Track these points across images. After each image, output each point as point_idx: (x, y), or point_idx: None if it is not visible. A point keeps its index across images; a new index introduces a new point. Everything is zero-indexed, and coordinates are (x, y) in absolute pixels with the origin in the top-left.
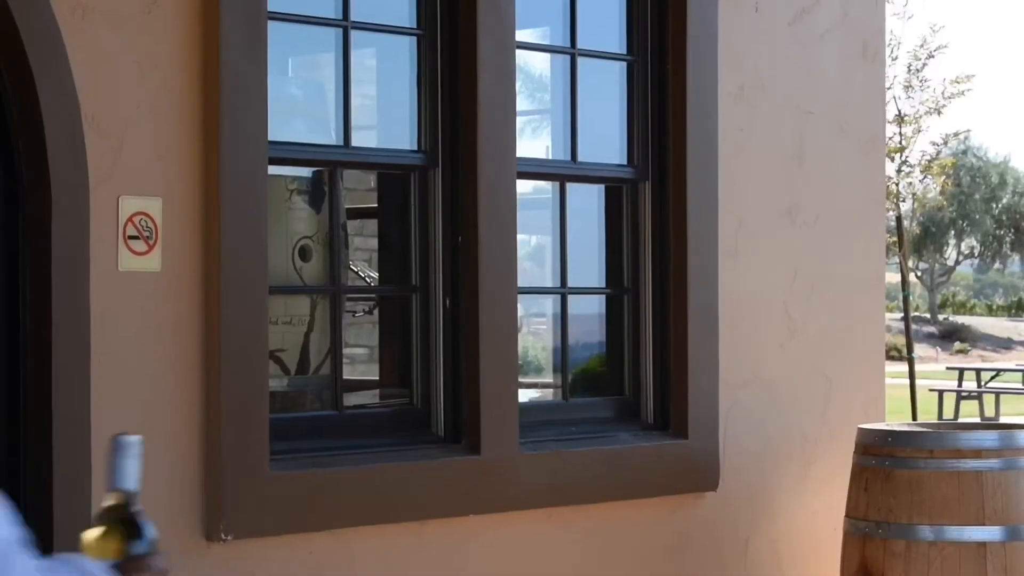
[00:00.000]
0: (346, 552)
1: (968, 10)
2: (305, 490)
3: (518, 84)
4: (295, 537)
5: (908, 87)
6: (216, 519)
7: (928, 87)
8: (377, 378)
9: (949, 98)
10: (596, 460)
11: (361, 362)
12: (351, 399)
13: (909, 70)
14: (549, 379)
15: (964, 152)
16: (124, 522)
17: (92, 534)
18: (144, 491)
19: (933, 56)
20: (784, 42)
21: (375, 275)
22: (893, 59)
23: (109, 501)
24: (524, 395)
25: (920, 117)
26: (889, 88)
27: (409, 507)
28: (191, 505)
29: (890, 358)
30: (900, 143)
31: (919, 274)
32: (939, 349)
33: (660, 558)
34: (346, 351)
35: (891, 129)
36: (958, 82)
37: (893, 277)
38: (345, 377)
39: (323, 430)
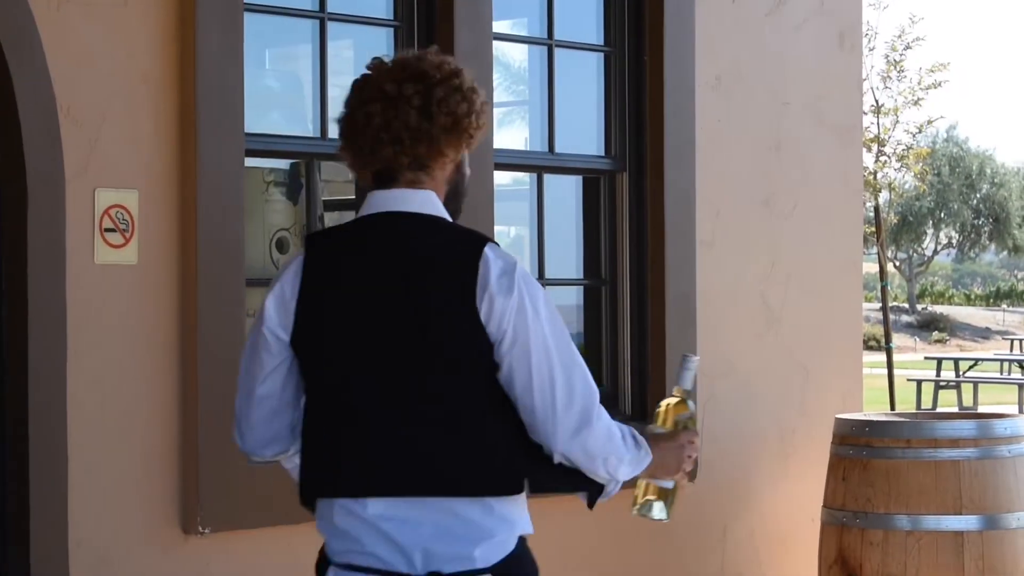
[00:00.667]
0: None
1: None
2: (283, 482)
3: (495, 75)
4: (273, 530)
5: (886, 77)
6: (193, 512)
7: (905, 77)
8: None
9: (926, 88)
10: None
11: None
12: None
13: (887, 60)
14: None
15: (946, 141)
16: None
17: (667, 403)
18: (121, 484)
19: (911, 47)
20: (761, 32)
21: None
22: (870, 49)
23: (676, 393)
24: None
25: (898, 109)
26: (866, 79)
27: None
28: (169, 498)
29: (868, 348)
30: (878, 134)
31: (897, 264)
32: (917, 339)
33: (639, 548)
34: None
35: (869, 119)
36: (934, 71)
37: (871, 267)
38: None
39: None
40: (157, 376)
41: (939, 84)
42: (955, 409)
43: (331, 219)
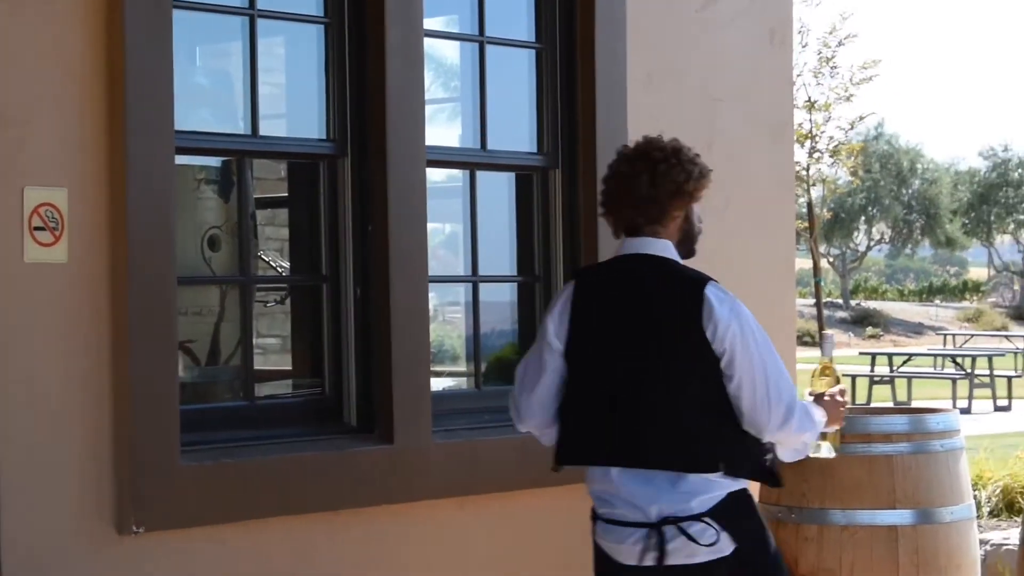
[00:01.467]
0: (258, 543)
1: None
2: (217, 481)
3: (427, 72)
4: (207, 529)
5: (818, 74)
6: (127, 511)
7: (837, 74)
8: (289, 368)
9: (857, 84)
10: (509, 448)
11: (272, 352)
12: (262, 389)
13: (819, 57)
14: (462, 368)
15: (876, 138)
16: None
17: (816, 371)
18: (54, 483)
19: (843, 44)
20: (692, 29)
21: (286, 265)
22: (803, 46)
23: (820, 363)
24: (437, 384)
25: (830, 105)
26: (799, 75)
27: (321, 497)
28: (102, 497)
29: (802, 343)
30: (811, 130)
31: (831, 260)
32: (851, 334)
33: (574, 545)
34: (257, 341)
35: (802, 115)
36: (865, 67)
37: (805, 263)
38: (256, 367)
39: (234, 421)
40: (89, 374)
41: (870, 79)
42: (889, 404)
43: (263, 217)
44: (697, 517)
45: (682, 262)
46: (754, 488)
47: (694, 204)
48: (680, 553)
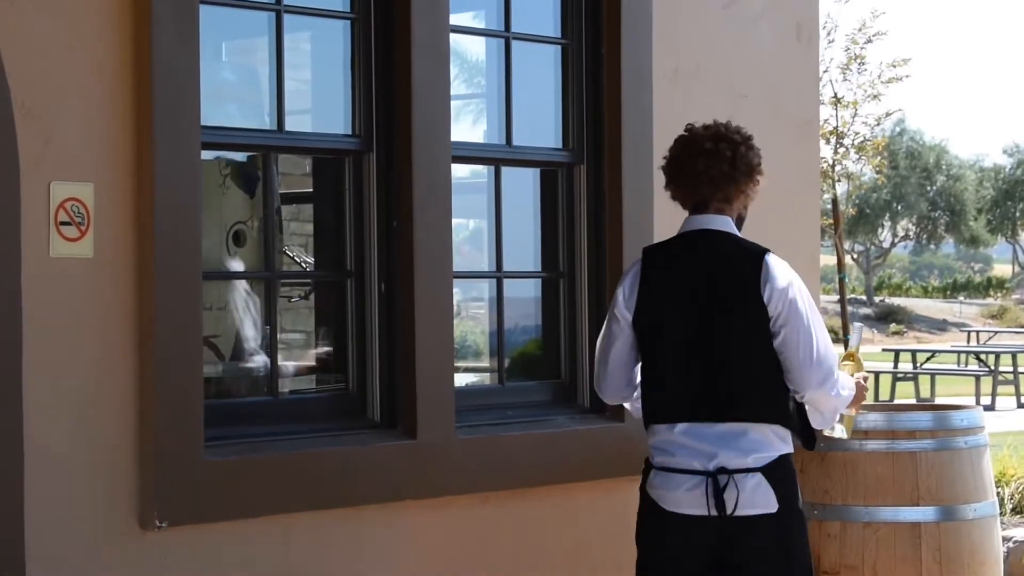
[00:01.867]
0: (281, 538)
1: None
2: (240, 476)
3: (452, 68)
4: (230, 524)
5: (846, 70)
6: (150, 506)
7: (866, 71)
8: (313, 364)
9: (887, 82)
10: (532, 444)
11: (296, 348)
12: (286, 385)
13: (847, 53)
14: (485, 363)
15: (900, 135)
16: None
17: (843, 357)
18: (77, 477)
19: (871, 41)
20: (719, 25)
21: (311, 260)
22: (830, 42)
23: (848, 350)
24: (460, 379)
25: (858, 103)
26: (826, 71)
27: (345, 493)
28: (125, 492)
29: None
30: (837, 126)
31: (855, 256)
32: (875, 331)
33: (596, 541)
34: (281, 337)
35: (828, 111)
36: (895, 66)
37: (829, 259)
38: (280, 363)
39: (258, 416)
40: (113, 369)
41: (900, 79)
42: (913, 401)
43: (288, 212)
44: (752, 471)
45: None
46: None
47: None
48: (731, 504)
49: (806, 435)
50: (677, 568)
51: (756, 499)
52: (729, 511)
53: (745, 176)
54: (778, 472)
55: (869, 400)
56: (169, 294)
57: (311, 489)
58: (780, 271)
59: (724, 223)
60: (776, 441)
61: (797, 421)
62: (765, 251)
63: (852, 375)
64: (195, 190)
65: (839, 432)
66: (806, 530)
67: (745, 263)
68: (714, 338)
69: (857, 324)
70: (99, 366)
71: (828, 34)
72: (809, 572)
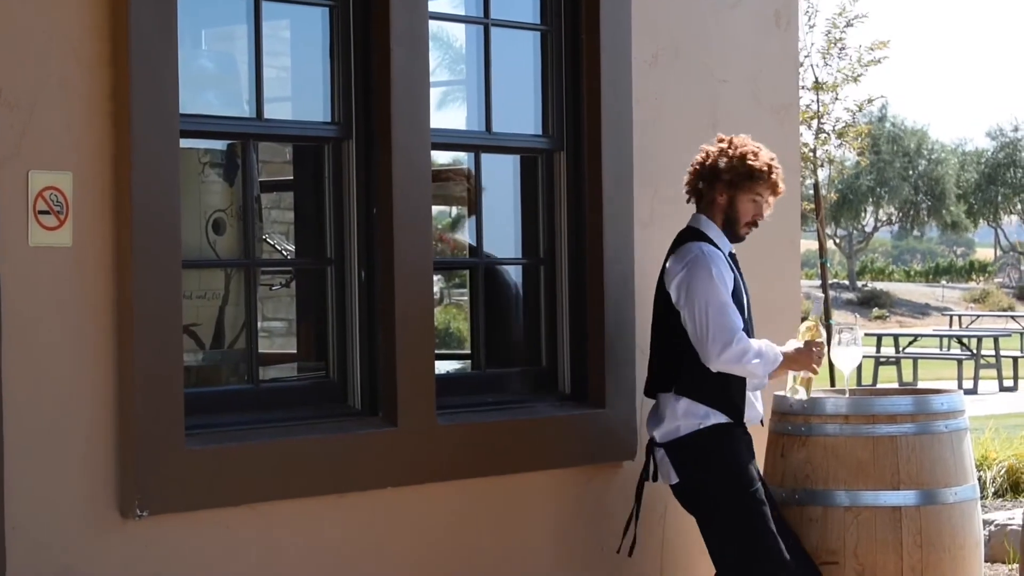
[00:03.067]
0: (264, 526)
1: None
2: (221, 464)
3: (432, 55)
4: (212, 512)
5: (826, 55)
6: (131, 495)
7: (846, 55)
8: (294, 351)
9: (866, 65)
10: (513, 431)
11: (277, 335)
12: (267, 373)
13: (827, 38)
14: (466, 350)
15: (881, 120)
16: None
17: (805, 325)
18: (58, 467)
19: (852, 25)
20: (697, 10)
21: (291, 248)
22: (811, 27)
23: (810, 319)
24: (441, 366)
25: (838, 86)
26: (807, 56)
27: (327, 480)
28: (106, 481)
29: None
30: (818, 110)
31: (837, 241)
32: (857, 315)
33: (578, 527)
34: (262, 324)
35: (809, 96)
36: (874, 49)
37: (811, 244)
38: (261, 351)
39: (239, 404)
40: (93, 358)
41: (879, 61)
42: (895, 385)
43: (268, 200)
44: (659, 445)
45: (710, 234)
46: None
47: (740, 194)
48: (659, 472)
49: (727, 406)
50: None
51: (663, 470)
52: (651, 478)
53: (711, 183)
54: (682, 448)
55: (851, 385)
56: (149, 282)
57: (293, 477)
58: (681, 258)
59: (695, 220)
60: (687, 416)
61: (714, 394)
62: (686, 242)
63: (806, 339)
64: (174, 178)
65: (801, 394)
66: (731, 499)
67: (669, 253)
68: (652, 322)
69: (820, 296)
70: (79, 355)
71: (809, 19)
72: (741, 541)
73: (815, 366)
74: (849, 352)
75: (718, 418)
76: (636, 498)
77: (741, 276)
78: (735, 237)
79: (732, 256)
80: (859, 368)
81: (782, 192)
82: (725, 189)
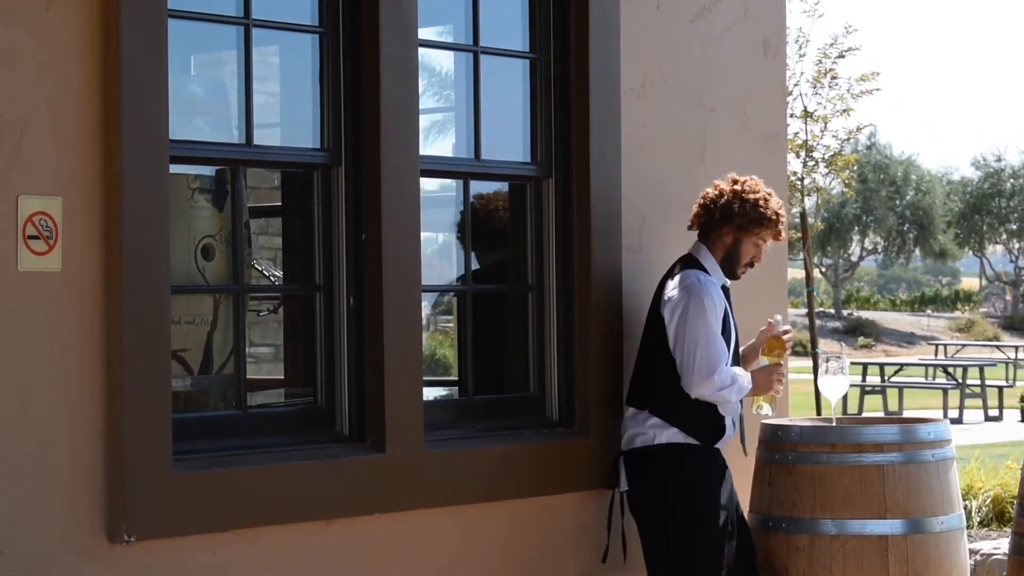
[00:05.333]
0: (251, 552)
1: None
2: (209, 490)
3: (421, 82)
4: (199, 538)
5: (817, 84)
6: (119, 520)
7: (837, 85)
8: (282, 377)
9: (857, 96)
10: (501, 458)
11: (266, 361)
12: (255, 398)
13: (818, 67)
14: (454, 377)
15: (870, 148)
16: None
17: (767, 349)
18: (45, 491)
19: (843, 56)
20: (686, 39)
21: (280, 274)
22: (801, 56)
23: (778, 343)
24: (429, 393)
25: (828, 117)
26: (796, 85)
27: (314, 506)
28: (93, 506)
29: (795, 353)
30: (807, 140)
31: (823, 269)
32: (843, 344)
33: (564, 554)
34: (250, 350)
35: (799, 125)
36: (864, 79)
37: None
38: (249, 376)
39: (227, 430)
40: (82, 383)
41: (870, 92)
42: (881, 414)
43: (257, 226)
44: (621, 455)
45: (707, 266)
46: (744, 497)
47: (745, 237)
48: (619, 478)
49: (697, 431)
50: None
51: (621, 477)
52: (608, 483)
53: (720, 221)
54: (637, 458)
55: (836, 413)
56: (137, 307)
57: (280, 503)
58: (678, 286)
59: (696, 249)
60: (653, 430)
61: (688, 420)
62: (684, 271)
63: (767, 367)
64: (163, 204)
65: (766, 410)
66: (673, 517)
67: (665, 278)
68: (643, 339)
69: (778, 317)
70: (67, 380)
71: (800, 48)
72: (673, 561)
73: (777, 387)
74: (836, 381)
75: (681, 437)
76: (609, 508)
77: (731, 307)
78: (731, 275)
79: (725, 289)
80: (845, 397)
81: (783, 240)
82: (733, 231)
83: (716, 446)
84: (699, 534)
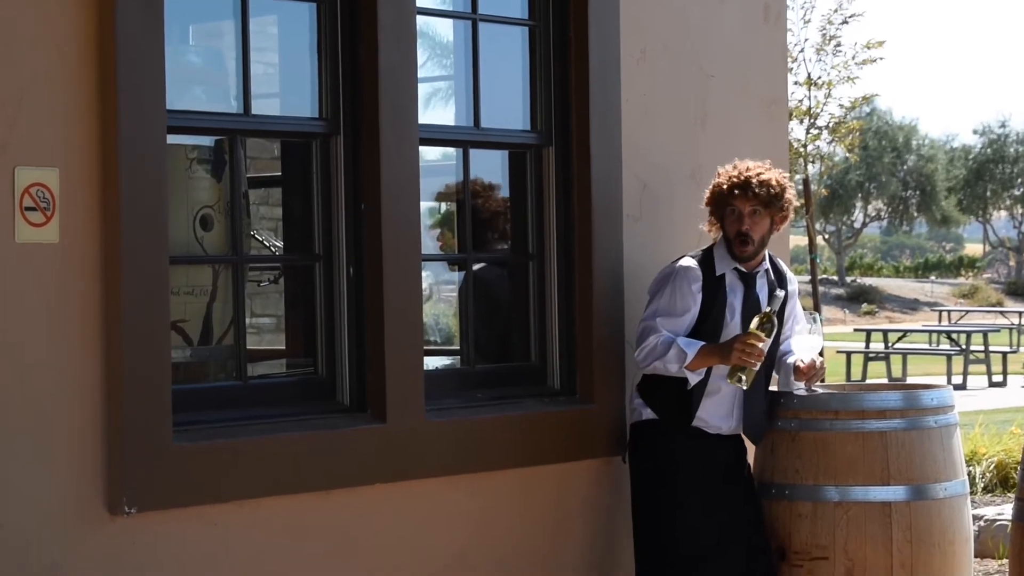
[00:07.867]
0: (251, 523)
1: None
2: (209, 461)
3: (420, 50)
4: (200, 509)
5: (820, 50)
6: (119, 492)
7: (840, 52)
8: (282, 348)
9: (861, 64)
10: (503, 427)
11: (266, 332)
12: (255, 369)
13: (822, 34)
14: (455, 346)
15: (870, 115)
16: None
17: (757, 317)
18: (45, 464)
19: (847, 22)
20: (686, 5)
21: (279, 244)
22: (806, 22)
23: (766, 310)
24: (430, 362)
25: (831, 84)
26: (801, 51)
27: (315, 477)
28: (93, 478)
29: None
30: (810, 107)
31: (826, 236)
32: (847, 311)
33: (567, 523)
34: (250, 321)
35: (803, 92)
36: (869, 47)
37: (801, 240)
38: (249, 347)
39: (227, 400)
40: (80, 355)
41: (874, 61)
42: (884, 380)
43: (256, 196)
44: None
45: (715, 252)
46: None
47: (721, 213)
48: None
49: (665, 412)
50: None
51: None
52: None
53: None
54: (631, 433)
55: (840, 380)
56: (136, 279)
57: (281, 473)
58: (661, 271)
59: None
60: (639, 409)
61: (663, 400)
62: (680, 258)
63: (737, 336)
64: (161, 174)
65: (740, 383)
66: (644, 495)
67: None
68: None
69: (779, 293)
70: (66, 351)
71: (804, 15)
72: (642, 538)
73: (745, 358)
74: (809, 340)
75: (653, 416)
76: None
77: (747, 293)
78: (734, 255)
79: (743, 274)
80: (848, 363)
81: (762, 196)
82: (714, 210)
83: (712, 431)
84: (667, 513)
